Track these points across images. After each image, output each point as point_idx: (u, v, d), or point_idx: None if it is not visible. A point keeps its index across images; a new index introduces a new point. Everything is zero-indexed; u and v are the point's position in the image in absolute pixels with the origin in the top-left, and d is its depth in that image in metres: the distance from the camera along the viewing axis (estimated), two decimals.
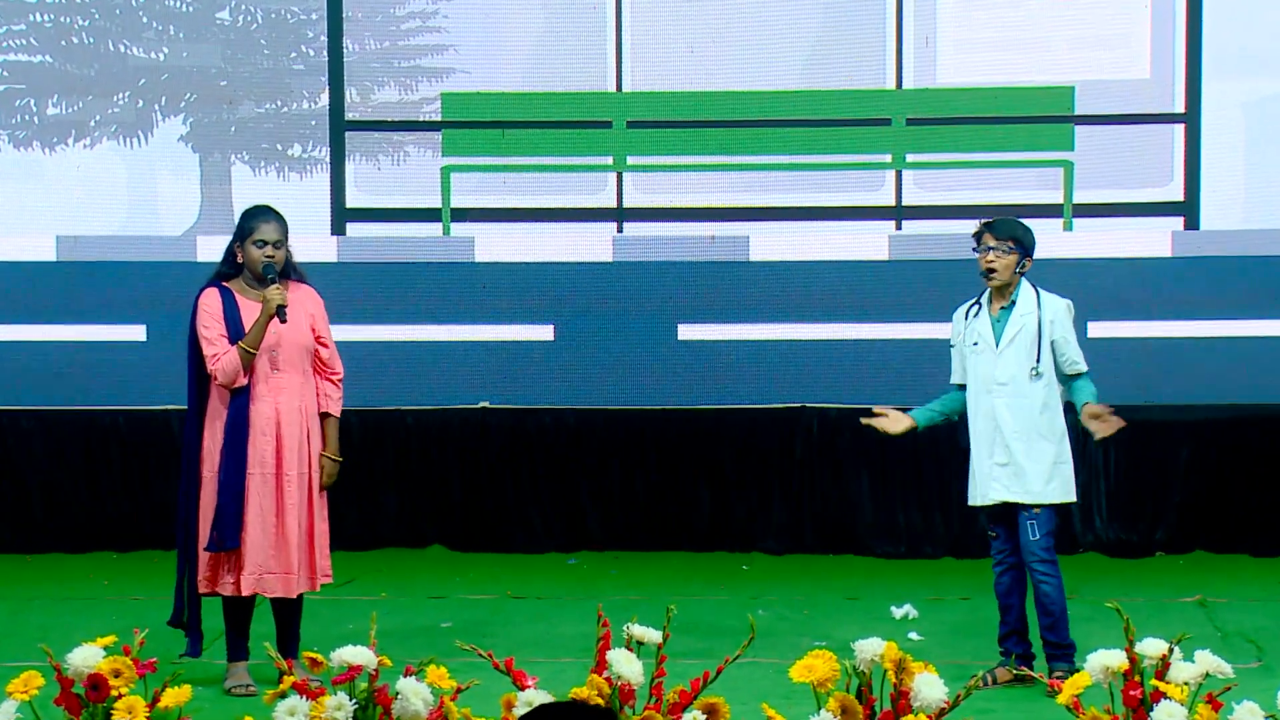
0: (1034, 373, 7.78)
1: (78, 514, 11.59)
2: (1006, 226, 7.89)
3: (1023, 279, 7.89)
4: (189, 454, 7.74)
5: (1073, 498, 7.96)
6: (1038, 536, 7.75)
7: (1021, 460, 7.77)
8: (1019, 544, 7.87)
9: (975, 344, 7.91)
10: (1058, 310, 7.85)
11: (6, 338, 11.79)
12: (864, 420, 8.17)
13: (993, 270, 7.82)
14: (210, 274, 7.87)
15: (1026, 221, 8.09)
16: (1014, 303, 7.85)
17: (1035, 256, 7.96)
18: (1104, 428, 7.82)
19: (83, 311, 11.74)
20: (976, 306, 7.97)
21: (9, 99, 12.62)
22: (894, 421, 8.12)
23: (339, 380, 7.88)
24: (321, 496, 7.79)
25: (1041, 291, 7.90)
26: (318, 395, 7.81)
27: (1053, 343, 7.80)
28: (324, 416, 7.82)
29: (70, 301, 11.79)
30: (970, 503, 8.00)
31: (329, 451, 7.81)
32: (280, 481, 7.64)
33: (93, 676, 5.30)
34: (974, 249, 7.90)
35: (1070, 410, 7.95)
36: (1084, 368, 7.84)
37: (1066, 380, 7.84)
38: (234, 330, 7.63)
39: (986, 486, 7.84)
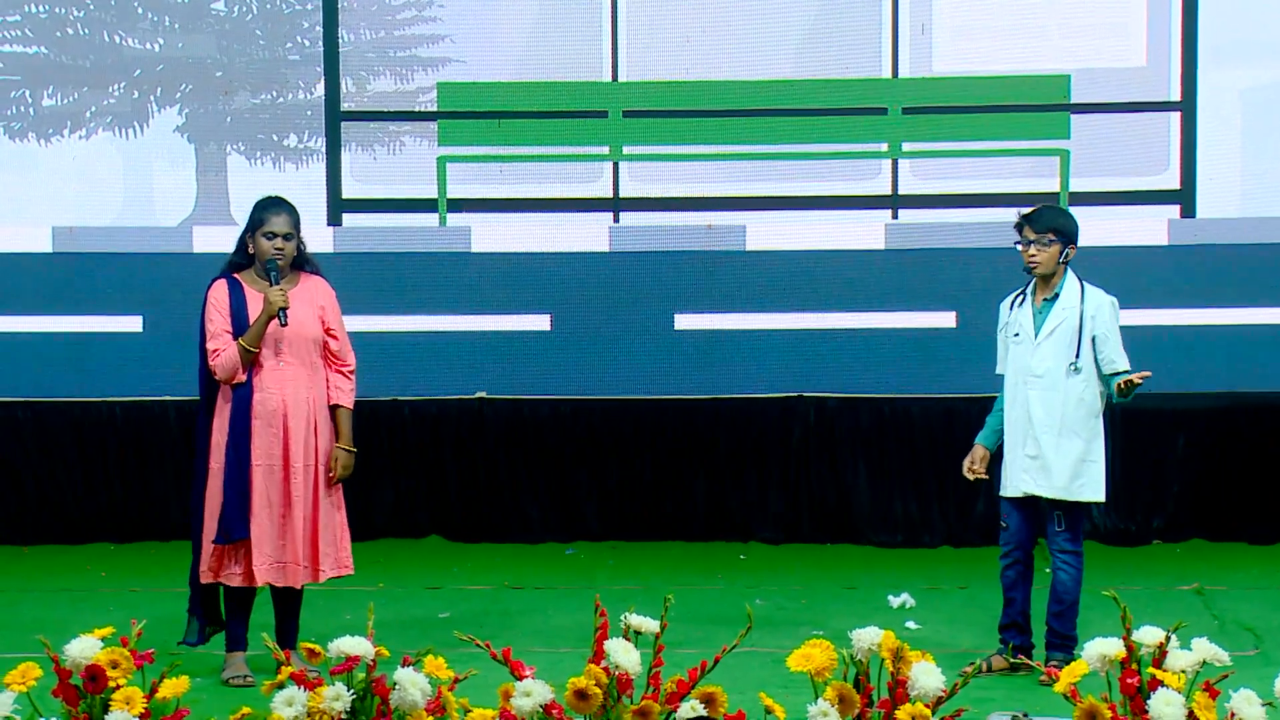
0: (1072, 368, 7.71)
1: (74, 505, 11.58)
2: (1045, 217, 7.78)
3: (1068, 271, 7.78)
4: (199, 445, 7.74)
5: (1100, 498, 7.85)
6: (1062, 528, 7.72)
7: (1049, 455, 7.71)
8: (1028, 538, 7.84)
9: (1016, 335, 7.83)
10: (1100, 305, 7.75)
11: (2, 329, 11.78)
12: (976, 478, 7.98)
13: (1034, 264, 7.74)
14: (209, 266, 7.86)
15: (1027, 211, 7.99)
16: (1057, 295, 7.76)
17: None
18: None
19: (79, 302, 11.73)
20: (1022, 296, 7.87)
21: (4, 90, 12.62)
22: (983, 461, 7.98)
23: (350, 372, 7.86)
24: (334, 487, 7.78)
25: (1087, 285, 7.78)
26: (328, 387, 7.80)
27: (1093, 338, 7.72)
28: (335, 409, 7.81)
29: (66, 292, 11.77)
30: (1000, 493, 7.95)
31: (342, 443, 7.79)
32: (287, 473, 7.64)
33: (90, 668, 5.29)
34: (1015, 242, 7.82)
35: (1112, 408, 7.89)
36: (1122, 367, 7.69)
37: (1105, 380, 7.74)
38: (239, 323, 7.63)
39: (1016, 478, 7.80)
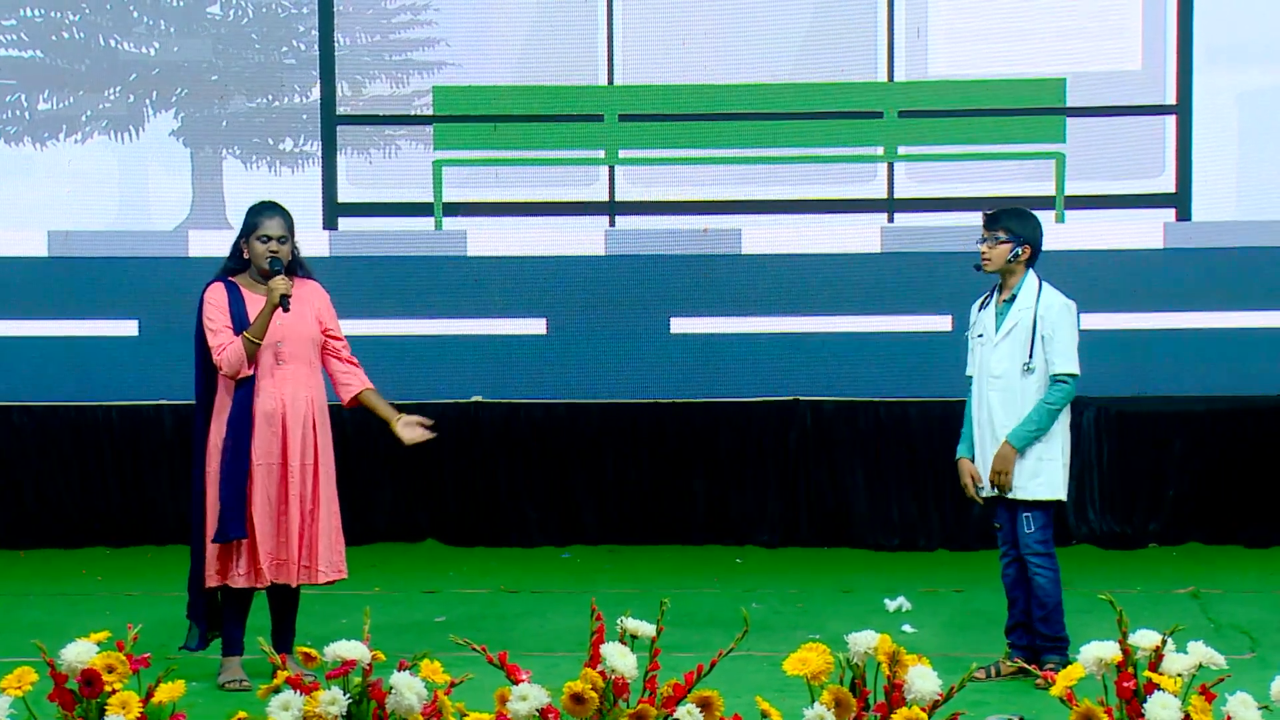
0: (1026, 368, 7.70)
1: (70, 509, 11.58)
2: (1001, 216, 7.80)
3: (1029, 272, 7.77)
4: (196, 450, 7.74)
5: (1058, 496, 7.80)
6: (1032, 529, 7.71)
7: None
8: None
9: (980, 335, 7.84)
10: (1051, 305, 7.73)
11: None
12: (978, 498, 7.95)
13: (984, 260, 7.77)
14: (205, 271, 7.86)
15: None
16: (1015, 296, 7.77)
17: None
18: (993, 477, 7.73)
19: (75, 307, 11.73)
20: (988, 297, 7.90)
21: (0, 94, 12.62)
22: (975, 475, 7.94)
23: (356, 362, 7.89)
24: (328, 490, 7.78)
25: (1046, 286, 7.78)
26: (339, 384, 7.81)
27: (1042, 337, 7.71)
28: (362, 394, 7.82)
29: (62, 297, 11.77)
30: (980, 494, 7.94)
31: (394, 420, 7.80)
32: (285, 472, 7.65)
33: (86, 672, 5.29)
34: (977, 240, 7.84)
35: (1075, 408, 7.86)
36: (1062, 370, 7.64)
37: (1051, 380, 7.65)
38: (239, 324, 7.63)
39: (986, 479, 7.80)
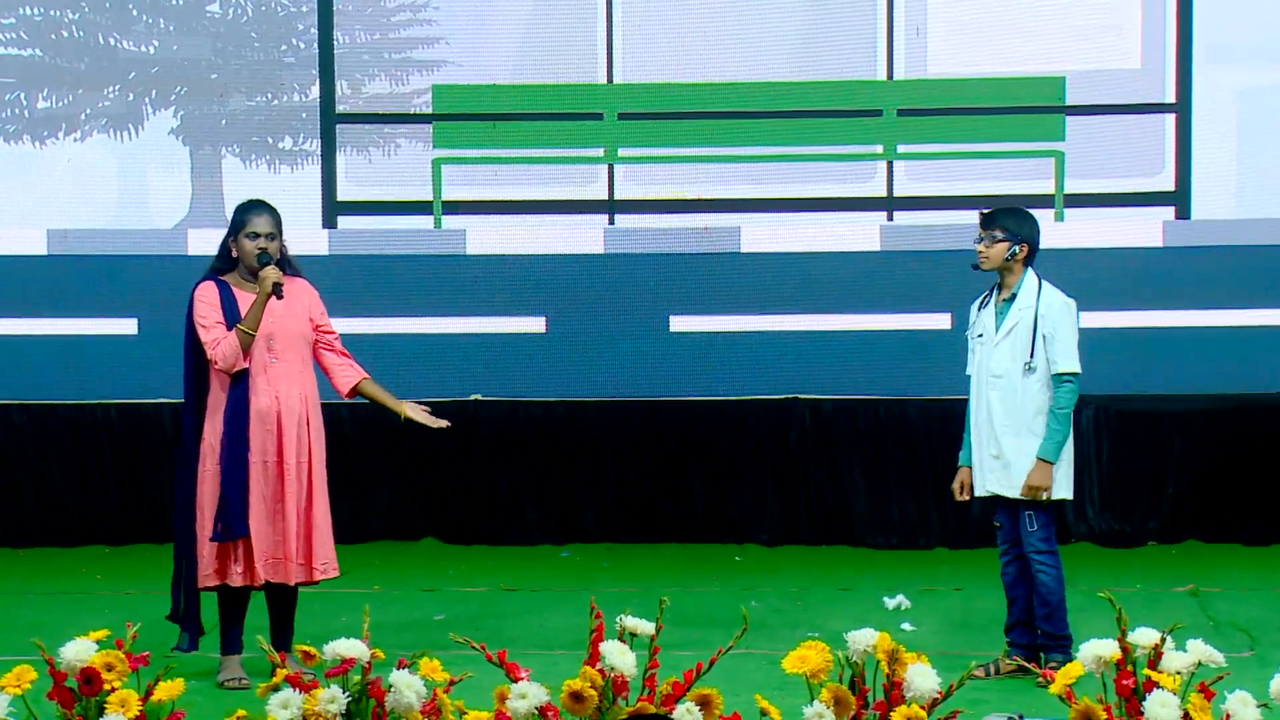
0: (1027, 367, 7.70)
1: (69, 508, 11.58)
2: (997, 215, 7.81)
3: (1028, 271, 7.76)
4: (187, 449, 7.73)
5: (1064, 495, 7.81)
6: (1035, 528, 7.71)
7: (1010, 455, 7.70)
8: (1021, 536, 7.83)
9: (980, 335, 7.84)
10: (1052, 304, 7.73)
11: None
12: (963, 497, 7.97)
13: (981, 259, 7.77)
14: (204, 269, 7.86)
15: None
16: (1015, 295, 7.77)
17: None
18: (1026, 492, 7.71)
19: (74, 305, 11.73)
20: (987, 297, 7.90)
21: None
22: (964, 482, 7.95)
23: (350, 355, 7.92)
24: (321, 488, 7.78)
25: (1045, 285, 7.78)
26: (335, 376, 7.82)
27: (1044, 337, 7.71)
28: (361, 384, 7.85)
29: (61, 295, 11.76)
30: (975, 493, 7.94)
31: (400, 404, 7.87)
32: (281, 470, 7.65)
33: (85, 670, 5.30)
34: (974, 240, 7.85)
35: (1075, 406, 7.85)
36: (1065, 369, 7.64)
37: (1054, 380, 7.66)
38: (231, 320, 7.63)
39: (983, 478, 7.80)
